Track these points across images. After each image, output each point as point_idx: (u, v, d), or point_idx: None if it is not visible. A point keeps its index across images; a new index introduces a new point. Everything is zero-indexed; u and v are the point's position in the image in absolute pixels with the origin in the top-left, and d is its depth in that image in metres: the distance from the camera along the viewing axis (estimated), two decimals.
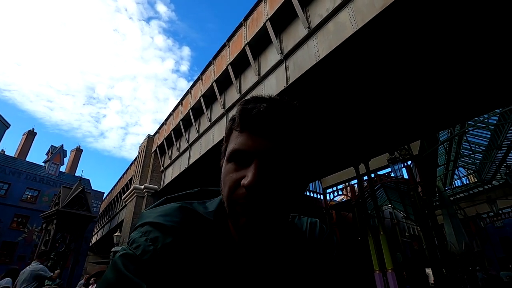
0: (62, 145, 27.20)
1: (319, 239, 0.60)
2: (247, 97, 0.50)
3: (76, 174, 28.06)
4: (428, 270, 17.74)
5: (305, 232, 0.60)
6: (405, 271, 16.06)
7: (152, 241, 0.43)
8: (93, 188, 26.06)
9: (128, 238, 0.48)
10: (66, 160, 28.60)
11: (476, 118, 12.69)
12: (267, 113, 0.44)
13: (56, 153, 26.05)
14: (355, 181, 14.67)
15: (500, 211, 20.21)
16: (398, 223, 22.14)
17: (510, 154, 17.31)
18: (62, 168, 27.55)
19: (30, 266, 5.09)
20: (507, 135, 14.55)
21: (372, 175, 13.84)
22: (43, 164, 25.39)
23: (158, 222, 0.45)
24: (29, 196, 21.83)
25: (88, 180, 27.58)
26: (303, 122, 0.48)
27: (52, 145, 27.53)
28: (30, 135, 27.81)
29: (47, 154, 26.98)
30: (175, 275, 0.41)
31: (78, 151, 32.27)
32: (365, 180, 14.02)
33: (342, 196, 18.62)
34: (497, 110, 11.99)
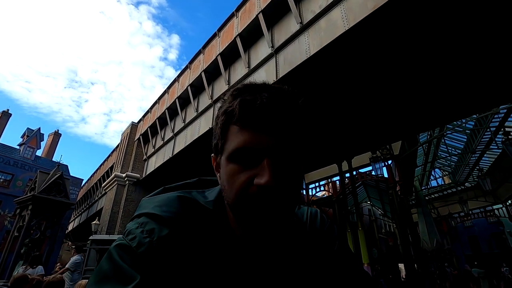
0: (39, 128, 26.02)
1: (320, 231, 0.58)
2: (238, 85, 0.46)
3: (53, 159, 27.01)
4: (401, 265, 18.56)
5: (306, 223, 0.58)
6: (380, 266, 16.72)
7: (148, 233, 0.41)
8: (71, 174, 25.22)
9: (123, 228, 0.46)
10: (43, 144, 27.45)
11: (455, 122, 13.23)
12: (271, 105, 0.41)
13: (32, 136, 24.91)
14: (337, 177, 14.99)
15: (470, 212, 21.35)
16: (376, 220, 22.92)
17: (483, 158, 18.23)
18: (39, 153, 26.43)
19: (78, 258, 5.70)
20: (482, 140, 15.29)
21: (354, 173, 14.19)
22: (17, 147, 24.24)
23: (155, 213, 0.44)
24: (1, 180, 20.84)
25: (67, 166, 26.62)
26: (303, 112, 0.47)
27: (28, 128, 26.31)
28: (5, 116, 26.39)
29: (22, 137, 25.75)
30: (171, 268, 0.40)
31: (56, 135, 31.01)
32: (347, 177, 14.36)
33: (324, 192, 19.02)
34: (474, 116, 12.55)
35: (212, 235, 0.45)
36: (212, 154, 0.50)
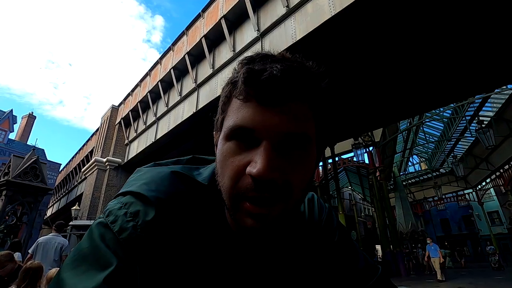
0: (12, 110, 24.61)
1: (319, 220, 0.52)
2: (249, 54, 0.39)
3: (28, 143, 25.83)
4: (378, 247, 19.55)
5: (304, 212, 0.51)
6: None
7: (133, 215, 0.36)
8: (48, 159, 24.28)
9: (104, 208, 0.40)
10: (16, 127, 26.11)
11: (433, 111, 13.70)
12: (283, 78, 0.33)
13: (4, 119, 23.58)
14: (320, 163, 15.32)
15: (443, 196, 22.60)
16: (356, 204, 23.80)
17: (457, 146, 19.11)
18: (12, 136, 25.16)
19: (54, 237, 4.16)
20: (457, 128, 15.96)
21: (336, 159, 14.52)
22: None
23: (141, 193, 0.37)
24: None
25: (43, 150, 25.55)
26: (325, 94, 0.39)
27: None
28: None
29: None
30: (156, 257, 0.35)
31: (31, 118, 29.56)
32: (330, 163, 14.69)
33: None
34: (452, 105, 13.03)
35: (206, 220, 0.40)
36: (214, 131, 0.44)
